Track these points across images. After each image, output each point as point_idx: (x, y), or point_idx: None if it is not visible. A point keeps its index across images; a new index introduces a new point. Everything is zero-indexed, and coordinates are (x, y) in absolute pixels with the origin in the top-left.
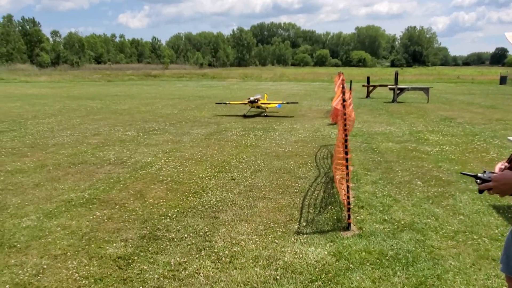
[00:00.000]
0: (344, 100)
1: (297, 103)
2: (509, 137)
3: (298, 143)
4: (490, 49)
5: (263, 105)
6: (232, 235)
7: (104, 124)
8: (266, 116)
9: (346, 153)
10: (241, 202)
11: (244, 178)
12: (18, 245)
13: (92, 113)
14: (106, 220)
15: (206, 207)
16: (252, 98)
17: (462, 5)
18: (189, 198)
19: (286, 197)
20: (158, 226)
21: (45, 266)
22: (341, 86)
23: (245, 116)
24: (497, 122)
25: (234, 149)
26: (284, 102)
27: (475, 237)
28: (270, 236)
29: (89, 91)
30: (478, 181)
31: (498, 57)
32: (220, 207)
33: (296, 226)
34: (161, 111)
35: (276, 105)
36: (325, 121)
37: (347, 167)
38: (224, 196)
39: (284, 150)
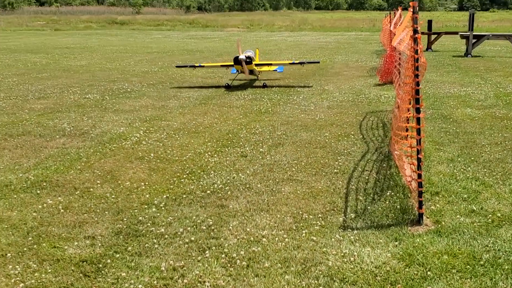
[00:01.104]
0: (416, 31)
1: (318, 62)
2: None
3: (333, 109)
4: None
5: (256, 68)
6: (248, 229)
7: (53, 85)
8: (265, 86)
9: (418, 111)
10: (258, 185)
11: (260, 155)
12: None
13: (34, 70)
14: (62, 211)
15: (209, 192)
16: (242, 56)
17: None
18: (182, 180)
19: (322, 179)
20: (140, 218)
21: None
22: (413, 19)
23: (227, 87)
24: None
25: (243, 117)
26: (296, 61)
27: None
28: (304, 231)
29: (29, 42)
30: None
31: None
32: (229, 193)
33: (340, 219)
34: (135, 68)
35: (276, 67)
36: (371, 81)
37: (418, 132)
38: (233, 177)
39: (313, 118)
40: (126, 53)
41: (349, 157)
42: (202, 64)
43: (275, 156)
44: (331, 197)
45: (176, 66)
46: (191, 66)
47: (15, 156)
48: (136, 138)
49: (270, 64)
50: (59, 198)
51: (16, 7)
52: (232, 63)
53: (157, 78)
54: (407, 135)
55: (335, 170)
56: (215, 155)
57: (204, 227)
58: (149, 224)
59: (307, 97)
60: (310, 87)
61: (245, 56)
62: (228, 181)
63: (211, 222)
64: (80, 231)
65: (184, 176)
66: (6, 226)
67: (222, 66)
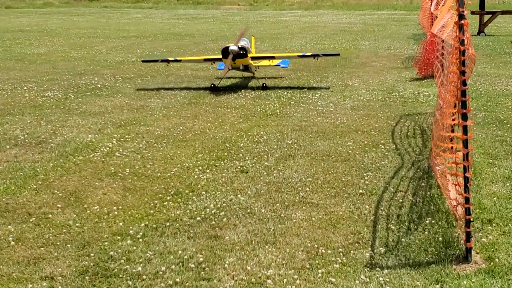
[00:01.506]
0: (462, 17)
1: (337, 54)
2: None
3: (359, 110)
4: None
5: (252, 63)
6: (249, 268)
7: (2, 79)
8: (265, 87)
9: (465, 117)
10: (262, 210)
11: (265, 170)
12: None
13: None
14: (12, 243)
15: (199, 219)
16: (233, 47)
17: None
18: (166, 203)
19: (343, 202)
20: (111, 253)
21: None
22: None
23: (213, 89)
24: None
25: (244, 121)
26: (307, 53)
27: None
28: (320, 271)
29: None
30: None
31: None
32: (224, 219)
33: (367, 254)
34: (107, 57)
35: (279, 61)
36: (406, 74)
37: (465, 144)
38: (231, 199)
39: (333, 122)
40: (96, 37)
41: (378, 174)
42: (178, 58)
43: (284, 171)
44: (355, 226)
45: (143, 61)
46: (163, 61)
47: None
48: (108, 148)
49: (272, 58)
50: (9, 227)
51: None
52: (220, 56)
53: (135, 70)
54: (452, 146)
55: (361, 191)
56: (208, 171)
57: (193, 265)
58: (122, 261)
59: (325, 95)
60: (329, 82)
61: (238, 47)
62: (224, 204)
63: (201, 259)
64: (36, 269)
65: (168, 198)
66: None
67: (206, 60)
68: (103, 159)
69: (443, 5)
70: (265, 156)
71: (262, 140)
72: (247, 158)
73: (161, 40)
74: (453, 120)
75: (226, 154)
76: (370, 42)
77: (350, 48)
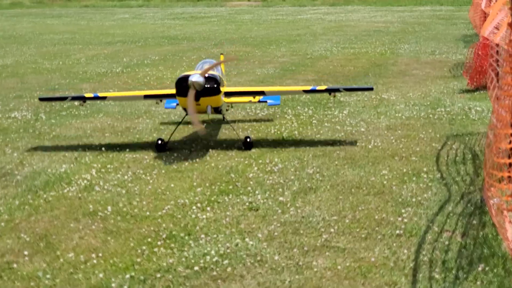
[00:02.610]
0: None
1: (371, 89)
2: None
3: (396, 130)
4: None
5: (225, 100)
6: None
7: None
8: (248, 144)
9: None
10: (276, 257)
11: (279, 207)
12: None
13: None
14: None
15: (197, 268)
16: (197, 77)
17: None
18: (156, 250)
19: (376, 245)
20: None
21: None
22: None
23: (160, 148)
24: None
25: (253, 145)
26: (320, 88)
27: None
28: None
29: None
30: None
31: None
32: (229, 269)
33: None
34: (86, 68)
35: (264, 97)
36: (455, 84)
37: None
38: (237, 244)
39: (364, 146)
40: (74, 44)
41: (420, 210)
42: (101, 95)
43: (304, 209)
44: (390, 276)
45: (40, 99)
46: (74, 99)
47: None
48: (86, 181)
49: (258, 93)
50: None
51: None
52: (173, 91)
53: (121, 83)
54: (509, 176)
55: (397, 231)
56: (208, 209)
57: None
58: None
59: (354, 111)
60: (360, 95)
61: (205, 77)
62: (228, 250)
63: None
64: None
65: (159, 243)
66: None
67: (148, 97)
68: (80, 195)
69: (496, 1)
70: (280, 190)
71: (276, 170)
72: (257, 192)
73: (152, 45)
74: (510, 143)
75: (231, 187)
76: (411, 45)
77: (386, 53)
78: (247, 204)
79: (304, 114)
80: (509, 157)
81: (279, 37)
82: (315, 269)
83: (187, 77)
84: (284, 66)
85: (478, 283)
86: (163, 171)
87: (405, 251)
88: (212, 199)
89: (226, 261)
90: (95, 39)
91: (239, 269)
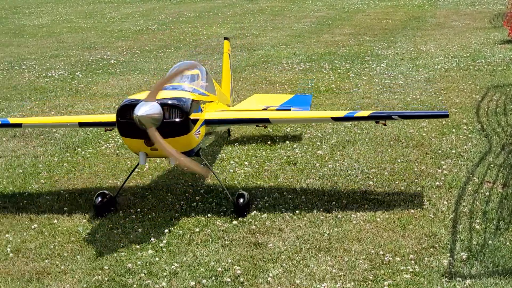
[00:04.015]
0: None
1: (445, 115)
2: None
3: (435, 83)
4: None
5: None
6: (298, 281)
7: None
8: (242, 206)
9: None
10: (314, 211)
11: (317, 160)
12: None
13: None
14: (11, 255)
15: (235, 222)
16: (144, 108)
17: None
18: (194, 204)
19: (416, 197)
20: (129, 266)
21: None
22: None
23: (99, 209)
24: None
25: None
26: (361, 114)
27: None
28: (386, 283)
29: None
30: None
31: None
32: (267, 223)
33: (445, 261)
34: (122, 26)
35: (289, 98)
36: (495, 35)
37: None
38: (275, 198)
39: (403, 98)
40: (109, 2)
41: (460, 161)
42: (17, 122)
43: (342, 162)
44: (430, 227)
45: None
46: None
47: None
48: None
49: (259, 122)
50: (7, 235)
51: None
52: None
53: (156, 41)
54: None
55: (437, 183)
56: (246, 163)
57: (229, 279)
58: (143, 274)
59: (392, 64)
60: (397, 47)
61: (162, 104)
62: (267, 204)
63: (239, 271)
64: (39, 286)
65: (197, 197)
66: None
67: (84, 125)
68: (118, 152)
69: None
70: (318, 143)
71: (313, 124)
72: (295, 146)
73: (187, 2)
74: None
75: (269, 142)
76: None
77: (424, 5)
78: (285, 158)
79: (341, 68)
80: None
81: None
82: (354, 222)
83: (130, 105)
84: (320, 21)
85: None
86: None
87: (445, 202)
88: (250, 153)
89: (264, 215)
90: None
91: (278, 223)
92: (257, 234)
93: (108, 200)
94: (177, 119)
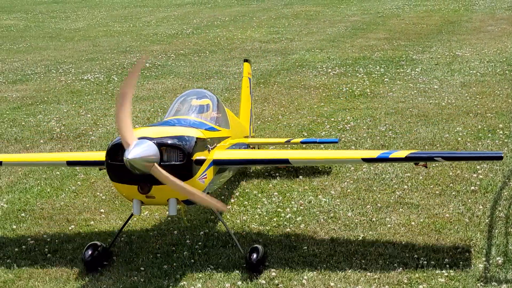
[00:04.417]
0: None
1: (500, 157)
2: None
3: (470, 87)
4: None
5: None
6: (332, 284)
7: (35, 61)
8: (256, 264)
9: None
10: (349, 214)
11: (352, 164)
12: None
13: (8, 38)
14: (48, 255)
15: (270, 227)
16: (133, 153)
17: None
18: (229, 207)
19: (451, 202)
20: (164, 267)
21: None
22: None
23: (89, 264)
24: None
25: (325, 104)
26: (395, 155)
27: None
28: (420, 286)
29: None
30: None
31: None
32: (302, 226)
33: (480, 266)
34: (157, 30)
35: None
36: None
37: None
38: (310, 201)
39: (438, 103)
40: (144, 7)
41: (496, 166)
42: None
43: (377, 166)
44: (465, 231)
45: None
46: None
47: None
48: None
49: (277, 162)
50: (45, 236)
51: None
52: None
53: (191, 45)
54: None
55: (473, 187)
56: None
57: (264, 281)
58: (178, 276)
59: (427, 69)
60: (432, 52)
61: (158, 143)
62: (302, 207)
63: (274, 273)
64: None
65: (232, 200)
66: None
67: (72, 164)
68: None
69: None
70: (352, 147)
71: (348, 128)
72: (329, 149)
73: (222, 6)
74: None
75: (303, 145)
76: (486, 1)
77: (459, 10)
78: None
79: (375, 72)
80: None
81: None
82: (389, 225)
83: (119, 146)
84: (355, 25)
85: None
86: None
87: (480, 207)
88: None
89: (299, 218)
90: (165, 1)
91: (313, 226)
92: (292, 237)
93: (99, 253)
94: (177, 162)
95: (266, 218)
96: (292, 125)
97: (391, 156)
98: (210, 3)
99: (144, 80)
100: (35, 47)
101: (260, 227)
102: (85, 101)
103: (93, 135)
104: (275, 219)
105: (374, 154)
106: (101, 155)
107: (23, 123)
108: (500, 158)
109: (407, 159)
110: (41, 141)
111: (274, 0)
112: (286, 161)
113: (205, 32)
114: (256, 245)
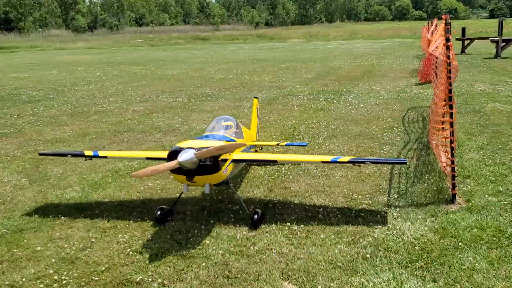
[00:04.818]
0: (448, 40)
1: (404, 162)
2: None
3: (380, 105)
4: None
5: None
6: (307, 207)
7: (150, 91)
8: (257, 221)
9: (451, 107)
10: (315, 171)
11: (317, 145)
12: (63, 218)
13: (135, 79)
14: (159, 191)
15: (274, 177)
16: (187, 155)
17: None
18: (253, 167)
19: (369, 165)
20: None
21: (93, 240)
22: (445, 30)
23: (160, 219)
24: None
25: (302, 114)
26: (342, 160)
27: None
28: (353, 209)
29: (131, 56)
30: None
31: None
32: (291, 177)
33: (385, 198)
34: (214, 76)
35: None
36: (412, 81)
37: (451, 125)
38: (295, 165)
39: (362, 113)
40: (207, 63)
41: (393, 147)
42: (101, 154)
43: (330, 146)
44: (377, 180)
45: (40, 154)
46: (74, 156)
47: (122, 148)
48: None
49: (268, 162)
50: (157, 181)
51: (120, 28)
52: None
53: (232, 83)
54: (443, 127)
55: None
56: (279, 147)
57: (271, 205)
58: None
59: (357, 96)
60: (359, 87)
61: (195, 152)
62: (290, 168)
63: (276, 201)
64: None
65: (255, 166)
66: (116, 204)
67: (149, 158)
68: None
69: (435, 33)
70: (316, 136)
71: (314, 126)
72: (305, 138)
73: (248, 63)
74: (444, 110)
75: (291, 135)
76: (388, 60)
77: (374, 65)
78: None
79: (329, 98)
80: (443, 117)
81: (315, 58)
82: (336, 177)
83: (177, 151)
84: (318, 73)
85: (425, 184)
86: None
87: (386, 168)
88: (281, 141)
89: (289, 173)
90: (218, 61)
91: (296, 177)
92: (286, 183)
93: (164, 213)
94: (210, 162)
95: (273, 173)
96: (285, 125)
97: (339, 160)
98: (242, 61)
99: (207, 102)
100: (150, 84)
101: (269, 177)
102: (177, 112)
103: (182, 129)
104: (277, 174)
105: (329, 158)
106: (163, 154)
107: (144, 123)
108: (405, 163)
109: (349, 162)
110: (154, 132)
111: (275, 60)
112: (275, 161)
113: (239, 77)
114: (257, 210)
